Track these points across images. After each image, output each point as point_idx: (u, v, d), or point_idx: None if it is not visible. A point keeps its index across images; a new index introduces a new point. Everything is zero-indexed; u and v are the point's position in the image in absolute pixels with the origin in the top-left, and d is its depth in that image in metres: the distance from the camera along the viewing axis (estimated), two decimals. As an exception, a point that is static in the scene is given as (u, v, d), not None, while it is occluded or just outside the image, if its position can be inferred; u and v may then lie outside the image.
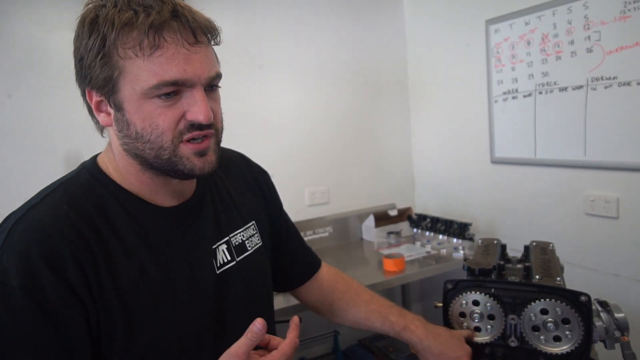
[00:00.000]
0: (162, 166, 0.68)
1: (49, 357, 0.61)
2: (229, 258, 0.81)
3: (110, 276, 0.66)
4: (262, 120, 2.17)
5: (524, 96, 1.87)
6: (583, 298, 0.79)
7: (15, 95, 1.71)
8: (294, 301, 1.69)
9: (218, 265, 0.79)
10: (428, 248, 2.09)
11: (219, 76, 0.70)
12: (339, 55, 2.33)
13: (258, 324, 0.60)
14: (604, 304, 0.84)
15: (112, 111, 0.68)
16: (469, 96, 2.15)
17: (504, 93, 1.95)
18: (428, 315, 1.02)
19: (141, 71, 0.63)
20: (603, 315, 0.83)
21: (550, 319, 0.80)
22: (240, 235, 0.85)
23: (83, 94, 0.70)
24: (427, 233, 2.22)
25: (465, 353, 0.87)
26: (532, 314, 0.82)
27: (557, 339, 0.80)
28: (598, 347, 0.86)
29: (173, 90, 0.64)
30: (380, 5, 2.42)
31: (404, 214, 2.37)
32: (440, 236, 2.14)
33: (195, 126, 0.66)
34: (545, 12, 1.74)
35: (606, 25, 1.55)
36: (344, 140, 2.38)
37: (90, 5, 0.66)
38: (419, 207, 2.55)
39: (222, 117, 0.74)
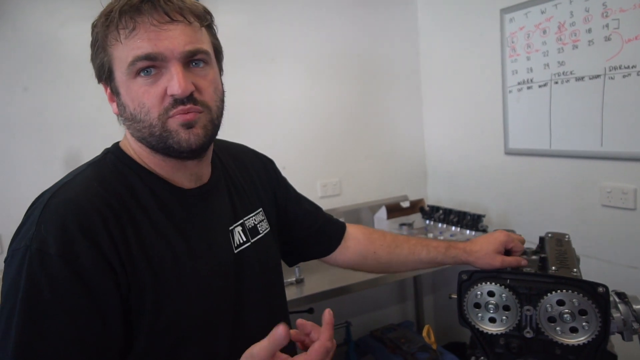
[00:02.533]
0: (157, 144, 0.71)
1: (84, 322, 0.63)
2: (244, 239, 0.84)
3: (140, 249, 0.68)
4: (274, 113, 2.17)
5: (539, 86, 1.84)
6: (601, 289, 0.78)
7: (31, 88, 1.73)
8: (306, 292, 1.71)
9: (235, 245, 0.82)
10: (441, 239, 2.08)
11: (199, 52, 0.70)
12: (351, 46, 2.31)
13: (281, 330, 0.56)
14: (621, 296, 0.83)
15: (115, 98, 0.73)
16: (482, 87, 2.12)
17: (519, 83, 1.93)
18: (440, 307, 1.02)
19: (122, 53, 0.68)
20: (621, 306, 0.81)
21: (566, 310, 0.79)
22: (252, 219, 0.89)
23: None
24: (440, 225, 2.21)
25: (501, 246, 0.97)
26: (548, 305, 0.81)
27: (573, 330, 0.79)
28: (615, 338, 0.85)
29: (148, 65, 0.67)
30: (393, -5, 2.40)
31: (417, 206, 2.36)
32: (453, 228, 2.13)
33: (178, 101, 0.68)
34: (562, 0, 1.70)
35: (625, 13, 1.51)
36: (355, 132, 2.37)
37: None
38: (432, 199, 2.54)
39: (217, 98, 0.75)
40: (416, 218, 2.33)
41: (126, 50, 0.67)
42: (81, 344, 0.63)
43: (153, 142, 0.71)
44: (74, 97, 1.78)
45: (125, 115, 0.72)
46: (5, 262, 0.66)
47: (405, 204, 2.35)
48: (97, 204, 0.67)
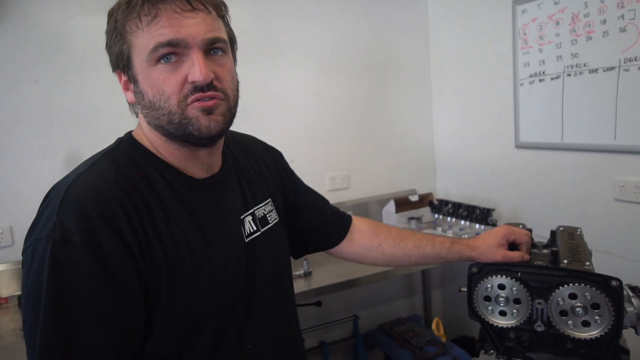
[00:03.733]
0: (176, 131, 0.71)
1: (110, 307, 0.65)
2: (255, 228, 0.85)
3: (156, 237, 0.69)
4: (283, 105, 2.17)
5: (552, 79, 1.81)
6: (614, 283, 0.76)
7: (41, 81, 1.74)
8: (314, 284, 1.71)
9: (246, 234, 0.83)
10: (450, 234, 2.07)
11: (219, 40, 0.71)
12: (360, 39, 2.29)
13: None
14: (635, 289, 0.82)
15: (131, 86, 0.73)
16: (493, 79, 2.09)
17: (531, 76, 1.90)
18: (449, 301, 1.02)
19: (143, 40, 0.68)
20: (634, 300, 0.80)
21: (579, 304, 0.78)
22: (262, 209, 0.89)
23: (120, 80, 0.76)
24: (449, 219, 2.20)
25: (504, 240, 0.97)
26: (560, 299, 0.80)
27: (585, 324, 0.78)
28: (627, 333, 0.84)
29: (170, 51, 0.68)
30: (403, -13, 2.37)
31: (425, 200, 2.35)
32: (462, 222, 2.12)
33: (197, 88, 0.69)
34: (576, -10, 1.67)
35: (641, 3, 1.48)
36: (364, 125, 2.36)
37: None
38: (440, 193, 2.52)
39: (234, 86, 0.76)
40: (425, 212, 2.32)
41: (147, 37, 0.68)
42: (108, 329, 0.65)
43: (171, 129, 0.71)
44: (83, 89, 1.79)
45: (143, 103, 0.72)
46: (24, 253, 0.67)
47: (414, 198, 2.33)
48: (116, 192, 0.68)
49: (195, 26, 0.68)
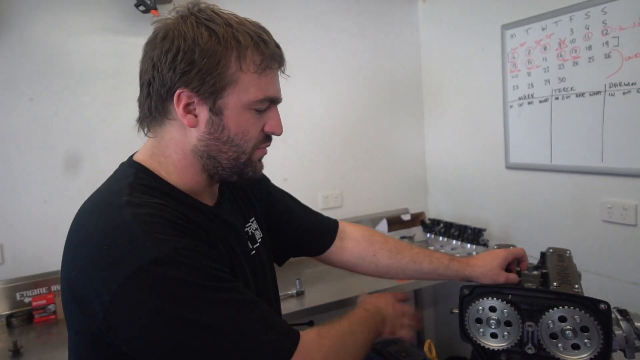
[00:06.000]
0: (233, 168, 0.77)
1: (240, 286, 0.69)
2: (251, 246, 0.89)
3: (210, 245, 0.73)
4: (277, 124, 2.18)
5: (540, 101, 1.86)
6: (602, 306, 0.78)
7: (36, 99, 1.75)
8: (307, 304, 1.71)
9: (249, 250, 0.87)
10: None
11: None
12: (354, 60, 2.33)
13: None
14: (623, 313, 0.83)
15: (204, 114, 0.72)
16: (483, 101, 2.14)
17: (520, 98, 1.94)
18: (441, 321, 1.02)
19: (251, 85, 0.73)
20: (623, 323, 0.82)
21: (568, 327, 0.79)
22: (250, 228, 0.92)
23: (163, 96, 0.72)
24: (441, 238, 2.21)
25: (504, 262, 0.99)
26: (550, 322, 0.81)
27: (575, 347, 0.79)
28: (617, 356, 0.85)
29: (268, 105, 0.77)
30: (395, 11, 2.43)
31: (417, 219, 2.36)
32: (454, 241, 2.13)
33: (269, 137, 0.80)
34: (563, 17, 1.73)
35: (625, 31, 1.53)
36: (357, 145, 2.38)
37: (192, 21, 0.71)
38: (432, 212, 2.54)
39: None
40: (417, 231, 2.33)
41: (257, 85, 0.73)
42: (256, 302, 0.69)
43: (229, 165, 0.76)
44: (79, 108, 1.79)
45: (216, 135, 0.73)
46: (113, 300, 0.60)
47: (406, 217, 2.35)
48: (170, 213, 0.69)
49: (280, 87, 0.79)
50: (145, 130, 0.78)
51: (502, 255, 1.00)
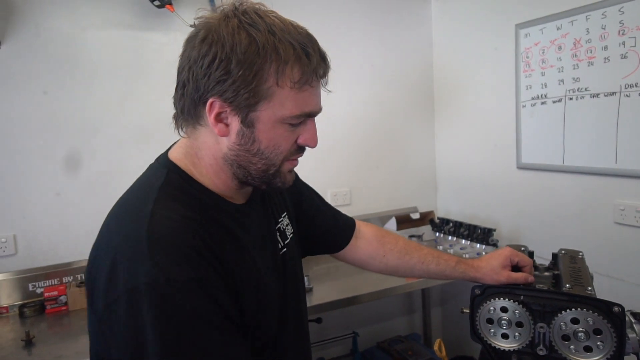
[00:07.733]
0: (262, 178, 0.76)
1: (230, 336, 0.67)
2: (282, 243, 0.89)
3: (231, 262, 0.71)
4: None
5: (553, 102, 1.84)
6: (616, 309, 0.77)
7: (50, 92, 1.77)
8: (315, 301, 1.71)
9: (279, 250, 0.88)
10: (451, 253, 2.08)
11: None
12: (365, 58, 2.33)
13: None
14: (637, 316, 0.82)
15: (235, 125, 0.71)
16: (496, 101, 2.12)
17: (533, 98, 1.93)
18: (448, 320, 1.02)
19: (287, 101, 0.70)
20: (636, 327, 0.81)
21: (581, 329, 0.79)
22: (281, 224, 0.92)
23: (196, 101, 0.71)
24: (450, 237, 2.20)
25: (507, 262, 1.00)
26: (562, 323, 0.80)
27: (587, 349, 0.79)
28: (629, 359, 0.84)
29: (304, 120, 0.74)
30: (408, 9, 2.42)
31: (426, 218, 2.36)
32: (463, 241, 2.12)
33: (300, 150, 0.77)
34: (578, 17, 1.71)
35: (642, 31, 1.51)
36: (367, 142, 2.38)
37: (235, 24, 0.68)
38: (441, 211, 2.53)
39: None
40: (426, 230, 2.32)
41: (294, 100, 0.70)
42: (238, 346, 0.68)
43: (258, 175, 0.75)
44: (92, 101, 1.81)
45: (247, 147, 0.72)
46: (111, 305, 0.64)
47: (415, 216, 2.34)
48: (193, 226, 0.68)
49: (320, 99, 0.75)
50: (180, 130, 0.77)
51: (505, 254, 1.01)
